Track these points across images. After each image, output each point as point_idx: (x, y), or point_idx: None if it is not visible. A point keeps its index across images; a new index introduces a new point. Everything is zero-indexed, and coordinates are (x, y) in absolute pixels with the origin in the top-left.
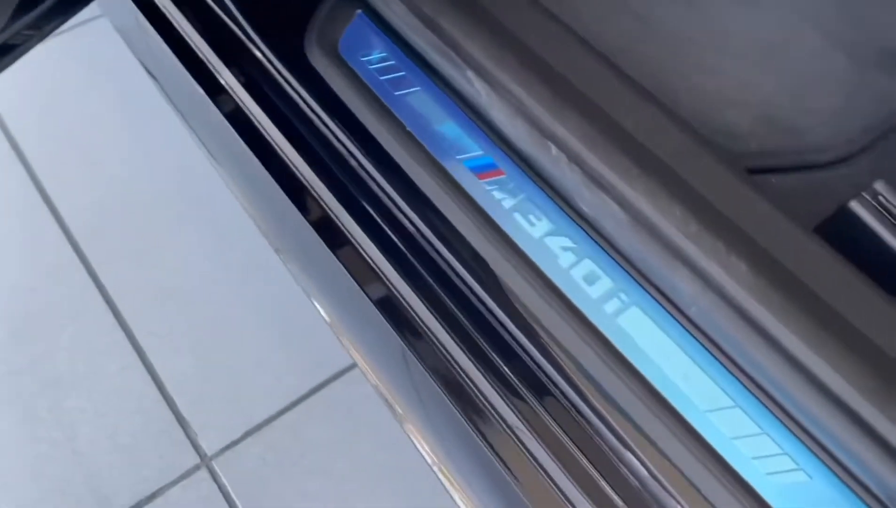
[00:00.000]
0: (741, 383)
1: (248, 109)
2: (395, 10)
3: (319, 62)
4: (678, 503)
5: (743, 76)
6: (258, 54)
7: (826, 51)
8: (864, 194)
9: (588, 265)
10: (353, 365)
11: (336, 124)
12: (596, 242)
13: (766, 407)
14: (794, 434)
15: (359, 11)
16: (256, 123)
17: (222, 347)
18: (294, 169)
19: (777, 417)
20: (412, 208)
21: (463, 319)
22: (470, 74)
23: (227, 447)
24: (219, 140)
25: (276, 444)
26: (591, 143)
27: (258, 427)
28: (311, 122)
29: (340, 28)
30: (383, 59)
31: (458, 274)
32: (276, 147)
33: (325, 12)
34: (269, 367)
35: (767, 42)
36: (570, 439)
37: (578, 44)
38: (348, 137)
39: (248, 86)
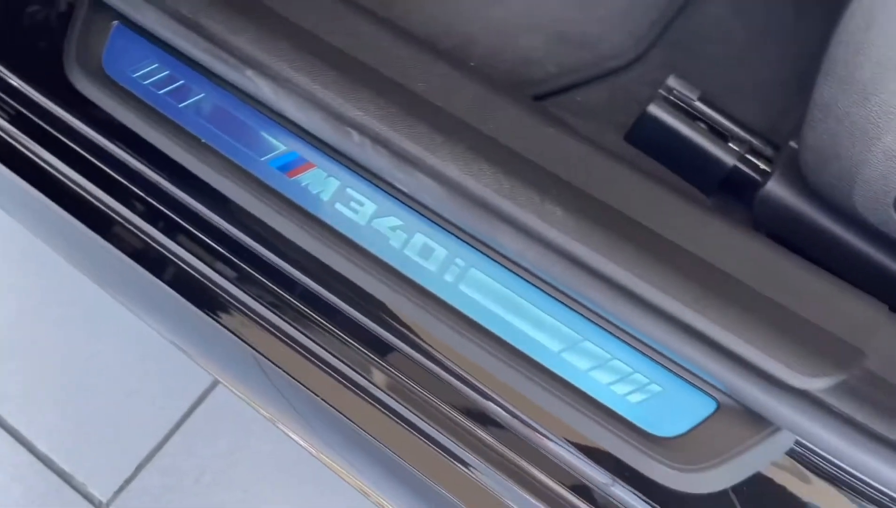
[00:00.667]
0: (585, 317)
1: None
2: (151, 16)
3: (85, 86)
4: (550, 440)
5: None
6: (14, 84)
7: None
8: (660, 91)
9: (420, 240)
10: None
11: (123, 151)
12: (422, 215)
13: (612, 334)
14: (640, 352)
15: (115, 23)
16: (35, 160)
17: (86, 389)
18: (92, 201)
19: (622, 340)
20: (230, 222)
21: (312, 314)
22: (249, 71)
23: (122, 486)
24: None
25: (172, 469)
26: (389, 120)
27: (149, 458)
28: (95, 153)
29: (100, 44)
30: (156, 71)
31: (293, 278)
32: (63, 183)
33: (78, 29)
34: (142, 395)
35: None
36: (447, 404)
37: (354, 13)
38: (141, 163)
39: (14, 122)
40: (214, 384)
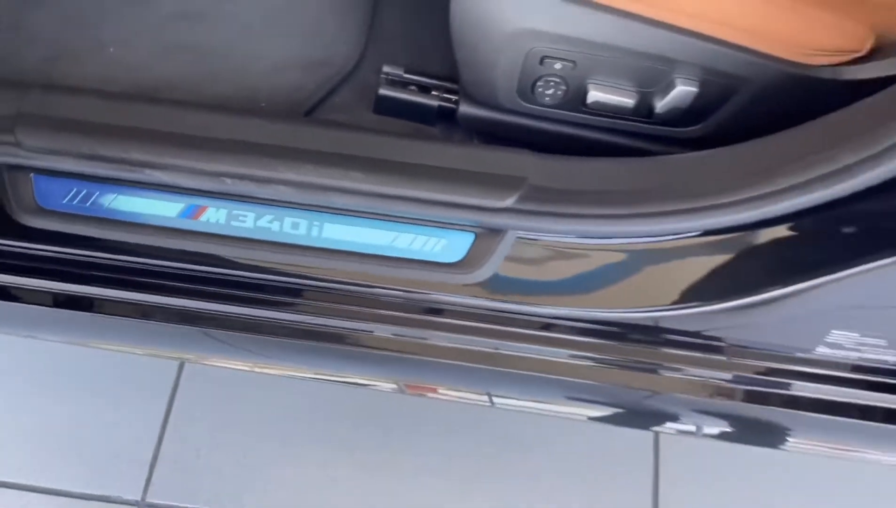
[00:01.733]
0: (394, 221)
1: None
2: (60, 163)
3: (30, 220)
4: (398, 290)
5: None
6: None
7: None
8: (381, 75)
9: (291, 220)
10: None
11: (75, 249)
12: (282, 205)
13: (413, 224)
14: (426, 225)
15: (32, 175)
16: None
17: (76, 441)
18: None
19: (416, 224)
20: (164, 258)
21: (247, 292)
22: (147, 170)
23: (146, 483)
24: None
25: (179, 454)
26: (238, 161)
27: (155, 456)
28: (51, 261)
29: (29, 191)
30: (75, 191)
31: (220, 274)
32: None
33: (9, 188)
34: (121, 421)
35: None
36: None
37: (172, 108)
38: (91, 250)
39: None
40: (178, 378)
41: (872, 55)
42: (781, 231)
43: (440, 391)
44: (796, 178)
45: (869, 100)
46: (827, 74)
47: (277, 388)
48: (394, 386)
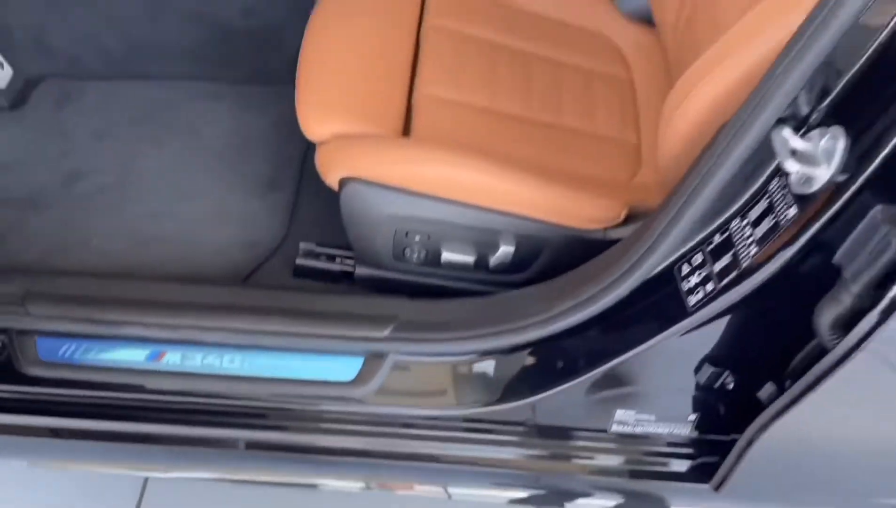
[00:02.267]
0: (299, 354)
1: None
2: (59, 327)
3: (35, 371)
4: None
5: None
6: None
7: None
8: (301, 247)
9: (228, 356)
10: None
11: (71, 391)
12: (225, 346)
13: (309, 353)
14: (320, 353)
15: (37, 337)
16: None
17: None
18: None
19: (312, 353)
20: (138, 392)
21: (198, 415)
22: (115, 327)
23: None
24: None
25: None
26: (187, 317)
27: None
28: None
29: (33, 349)
30: (69, 347)
31: (178, 402)
32: None
33: (18, 348)
34: None
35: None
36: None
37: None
38: (85, 390)
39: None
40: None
41: (627, 221)
42: (567, 340)
43: (338, 482)
44: (567, 304)
45: (608, 251)
46: (598, 236)
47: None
48: (325, 482)
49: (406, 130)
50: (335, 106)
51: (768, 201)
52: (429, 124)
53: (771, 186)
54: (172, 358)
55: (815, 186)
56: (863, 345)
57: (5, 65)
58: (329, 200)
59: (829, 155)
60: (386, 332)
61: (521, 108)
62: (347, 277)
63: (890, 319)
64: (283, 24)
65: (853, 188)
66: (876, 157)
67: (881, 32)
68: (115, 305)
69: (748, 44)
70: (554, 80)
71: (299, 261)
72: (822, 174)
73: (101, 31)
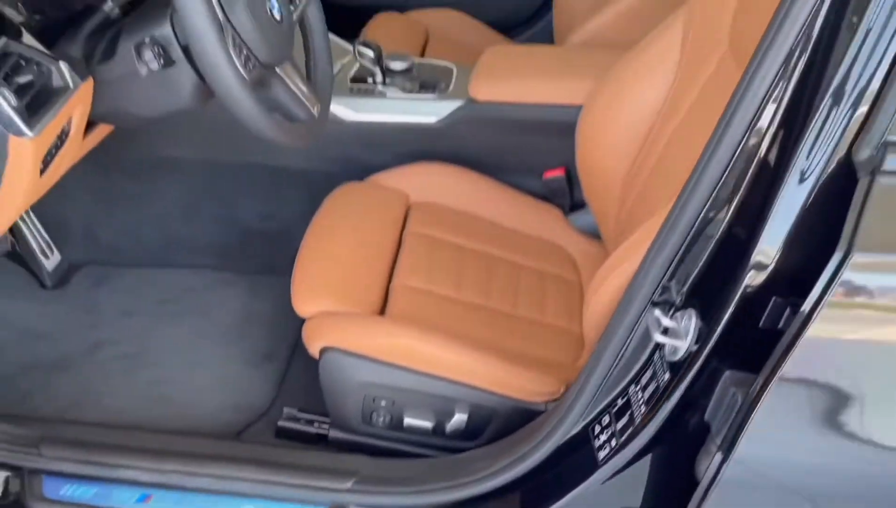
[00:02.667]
0: (272, 502)
1: None
2: (66, 468)
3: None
4: None
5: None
6: None
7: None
8: (284, 412)
9: (210, 502)
10: None
11: None
12: (206, 492)
13: (282, 501)
14: (291, 502)
15: (43, 477)
16: None
17: None
18: None
19: (284, 501)
20: None
21: None
22: (116, 470)
23: None
24: None
25: None
26: (176, 463)
27: None
28: None
29: (39, 488)
30: (70, 487)
31: None
32: None
33: (27, 485)
34: None
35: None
36: None
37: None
38: None
39: None
40: None
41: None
42: (507, 494)
43: None
44: (504, 462)
45: (539, 417)
46: (541, 407)
47: None
48: None
49: (382, 312)
50: (323, 288)
51: (652, 369)
52: (402, 307)
53: (654, 357)
54: (159, 503)
55: (679, 356)
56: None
57: (55, 251)
58: (315, 371)
59: (686, 331)
60: (348, 484)
61: (482, 299)
62: (322, 439)
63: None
64: (292, 225)
65: (703, 356)
66: (714, 332)
67: (714, 238)
68: (112, 450)
69: (642, 247)
70: (512, 278)
71: (281, 423)
72: (683, 346)
73: (142, 225)
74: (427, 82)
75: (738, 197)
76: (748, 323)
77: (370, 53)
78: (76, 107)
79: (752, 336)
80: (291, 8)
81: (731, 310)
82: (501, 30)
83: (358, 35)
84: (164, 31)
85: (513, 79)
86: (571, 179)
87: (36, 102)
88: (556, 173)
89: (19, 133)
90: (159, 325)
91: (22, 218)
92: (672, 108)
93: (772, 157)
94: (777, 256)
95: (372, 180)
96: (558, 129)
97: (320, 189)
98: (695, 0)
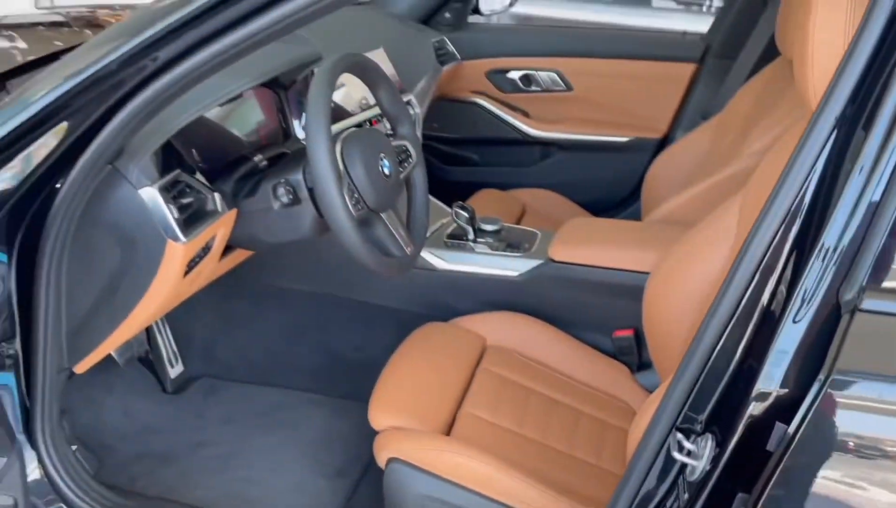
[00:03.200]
0: None
1: None
2: None
3: None
4: None
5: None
6: None
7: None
8: None
9: None
10: None
11: None
12: None
13: None
14: None
15: None
16: None
17: None
18: None
19: None
20: None
21: None
22: None
23: None
24: None
25: None
26: None
27: None
28: None
29: None
30: None
31: None
32: None
33: None
34: None
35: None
36: None
37: None
38: None
39: None
40: None
41: None
42: None
43: None
44: None
45: None
46: None
47: None
48: None
49: (447, 434)
50: (396, 405)
51: (676, 489)
52: (466, 432)
53: (679, 480)
54: None
55: (696, 475)
56: None
57: (179, 361)
58: (381, 492)
59: (703, 453)
60: None
61: (540, 436)
62: None
63: None
64: (379, 358)
65: (715, 477)
66: (724, 454)
67: (727, 371)
68: None
69: None
70: (571, 421)
71: None
72: (699, 466)
73: (252, 346)
74: (513, 243)
75: (745, 337)
76: (756, 446)
77: (465, 214)
78: (220, 228)
79: (760, 459)
80: (400, 169)
81: (738, 434)
82: (594, 211)
83: None
84: (297, 176)
85: (588, 244)
86: (640, 339)
87: (191, 219)
88: (626, 333)
89: (175, 239)
90: (254, 434)
91: (159, 329)
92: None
93: (773, 302)
94: (776, 387)
95: (454, 322)
96: (628, 292)
97: (408, 328)
98: (753, 179)
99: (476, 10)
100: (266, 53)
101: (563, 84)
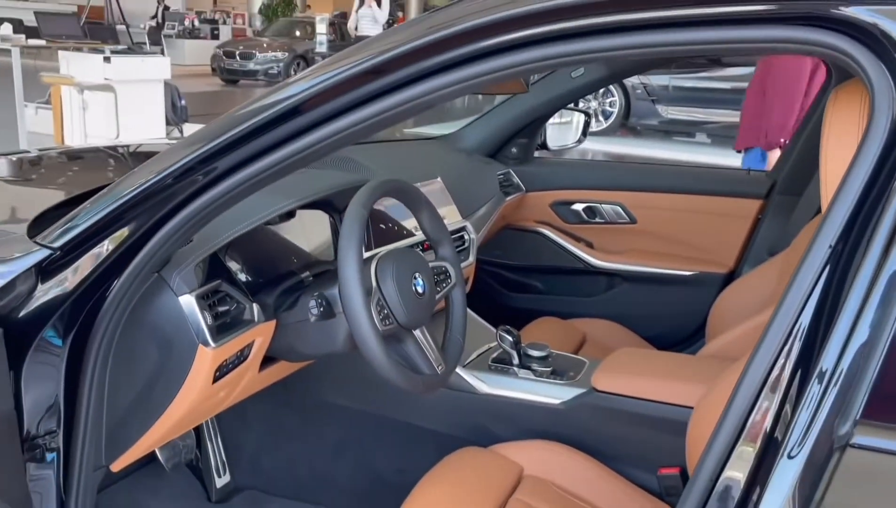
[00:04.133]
0: None
1: None
2: None
3: None
4: None
5: None
6: None
7: None
8: None
9: None
10: None
11: None
12: None
13: None
14: None
15: None
16: None
17: None
18: None
19: None
20: None
21: None
22: None
23: None
24: None
25: None
26: None
27: None
28: None
29: None
30: None
31: None
32: None
33: None
34: None
35: None
36: None
37: None
38: None
39: None
40: None
41: None
42: None
43: None
44: None
45: None
46: None
47: None
48: None
49: None
50: None
51: None
52: None
53: None
54: None
55: None
56: None
57: (227, 471)
58: None
59: None
60: None
61: None
62: None
63: None
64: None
65: None
66: None
67: None
68: None
69: None
70: None
71: None
72: None
73: (299, 462)
74: (559, 370)
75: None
76: None
77: (509, 338)
78: (257, 337)
79: None
80: (437, 289)
81: None
82: (658, 345)
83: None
84: (333, 291)
85: (633, 375)
86: (687, 479)
87: (226, 326)
88: (672, 471)
89: (206, 343)
90: None
91: (210, 437)
92: None
93: (769, 439)
94: None
95: (492, 449)
96: (673, 427)
97: (448, 452)
98: None
99: (543, 146)
100: (319, 176)
101: (626, 217)
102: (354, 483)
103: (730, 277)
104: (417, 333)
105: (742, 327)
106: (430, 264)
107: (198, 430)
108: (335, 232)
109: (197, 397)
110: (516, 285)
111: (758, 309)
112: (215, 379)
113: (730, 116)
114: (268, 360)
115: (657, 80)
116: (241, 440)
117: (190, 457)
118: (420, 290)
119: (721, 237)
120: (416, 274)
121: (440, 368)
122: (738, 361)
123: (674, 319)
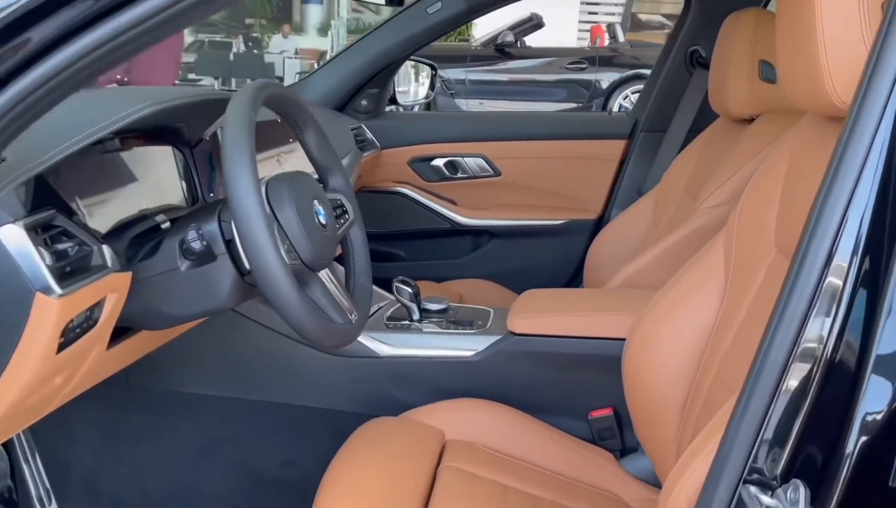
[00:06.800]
0: None
1: None
2: None
3: None
4: None
5: None
6: None
7: None
8: None
9: None
10: None
11: None
12: None
13: None
14: None
15: None
16: None
17: None
18: None
19: None
20: None
21: None
22: None
23: None
24: None
25: None
26: None
27: None
28: None
29: None
30: None
31: None
32: None
33: None
34: None
35: None
36: None
37: None
38: None
39: None
40: None
41: None
42: None
43: None
44: None
45: None
46: None
47: None
48: None
49: None
50: None
51: None
52: None
53: None
54: None
55: None
56: None
57: (53, 501)
58: None
59: (794, 504)
60: None
61: None
62: None
63: None
64: (313, 473)
65: None
66: (831, 501)
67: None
68: None
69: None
70: None
71: None
72: None
73: (149, 474)
74: (463, 321)
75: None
76: (875, 484)
77: (408, 290)
78: (109, 291)
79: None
80: (337, 225)
81: (844, 474)
82: None
83: None
84: (211, 226)
85: (552, 314)
86: (621, 419)
87: (70, 272)
88: (604, 413)
89: (46, 290)
90: None
91: (25, 458)
92: (724, 326)
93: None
94: (888, 403)
95: (405, 416)
96: (603, 365)
97: (348, 433)
98: (735, 218)
99: (393, 101)
100: (160, 93)
101: (490, 169)
102: (227, 488)
103: (600, 222)
104: (323, 275)
105: (639, 261)
106: None
107: (8, 450)
108: (187, 172)
109: (36, 372)
110: (378, 254)
111: (635, 249)
112: (60, 347)
113: (516, 106)
114: (117, 335)
115: (454, 74)
116: (68, 458)
117: (2, 487)
118: (323, 221)
119: (588, 182)
120: (316, 201)
121: (353, 316)
122: (667, 283)
123: (549, 270)
